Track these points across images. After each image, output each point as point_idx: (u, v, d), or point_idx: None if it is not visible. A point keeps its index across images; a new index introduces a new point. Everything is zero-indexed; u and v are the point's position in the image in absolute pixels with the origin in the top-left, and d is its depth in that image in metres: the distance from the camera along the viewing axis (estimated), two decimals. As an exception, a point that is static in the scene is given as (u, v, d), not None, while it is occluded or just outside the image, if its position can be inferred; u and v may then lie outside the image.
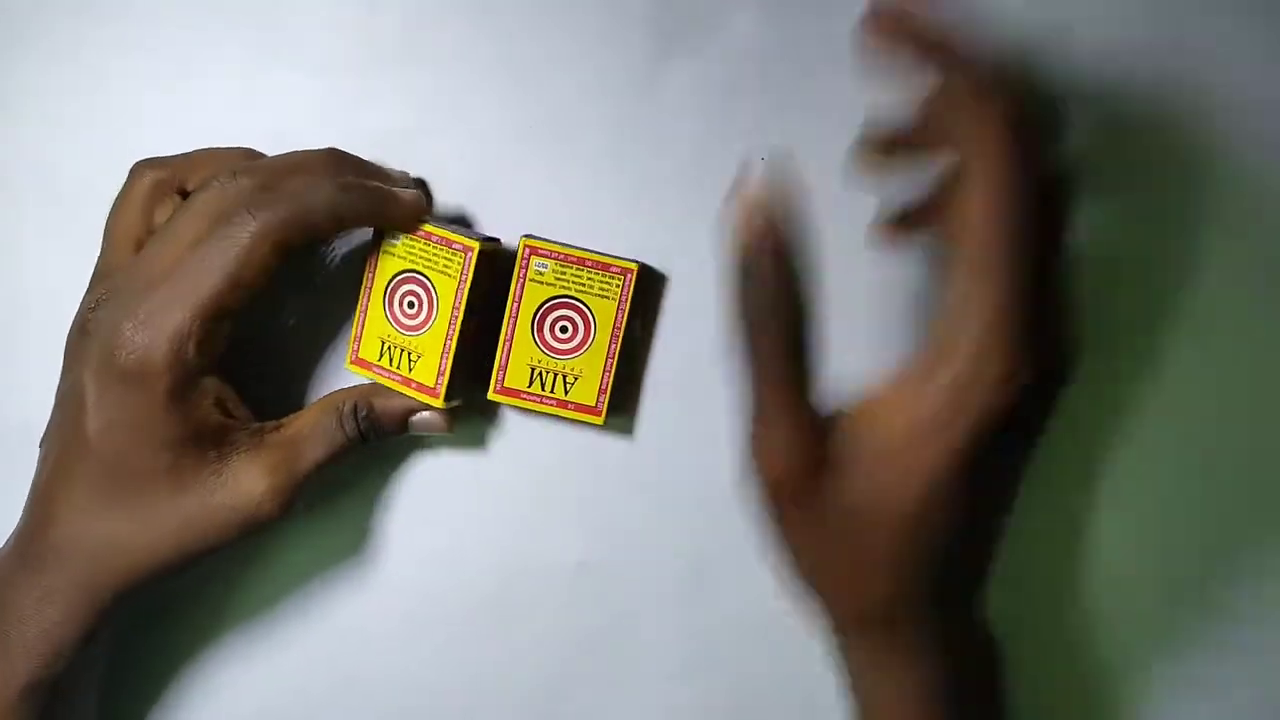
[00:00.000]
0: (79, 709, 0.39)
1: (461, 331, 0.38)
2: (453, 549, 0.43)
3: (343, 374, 0.42)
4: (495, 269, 0.40)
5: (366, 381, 0.40)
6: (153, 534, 0.36)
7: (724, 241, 0.29)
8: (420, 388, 0.39)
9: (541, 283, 0.40)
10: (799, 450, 0.30)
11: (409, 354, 0.39)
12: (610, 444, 0.43)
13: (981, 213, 0.28)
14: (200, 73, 0.42)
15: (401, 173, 0.40)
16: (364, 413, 0.38)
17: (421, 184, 0.41)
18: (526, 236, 0.40)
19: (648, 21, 0.42)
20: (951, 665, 0.33)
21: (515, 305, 0.40)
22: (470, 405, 0.43)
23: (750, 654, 0.43)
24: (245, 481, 0.36)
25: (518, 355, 0.40)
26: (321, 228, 0.36)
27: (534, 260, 0.40)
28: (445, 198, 0.42)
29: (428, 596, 0.43)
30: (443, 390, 0.38)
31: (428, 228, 0.38)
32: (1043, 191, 0.29)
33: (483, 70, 0.42)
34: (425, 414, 0.39)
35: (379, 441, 0.40)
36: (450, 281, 0.38)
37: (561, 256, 0.40)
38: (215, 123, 0.42)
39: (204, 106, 0.42)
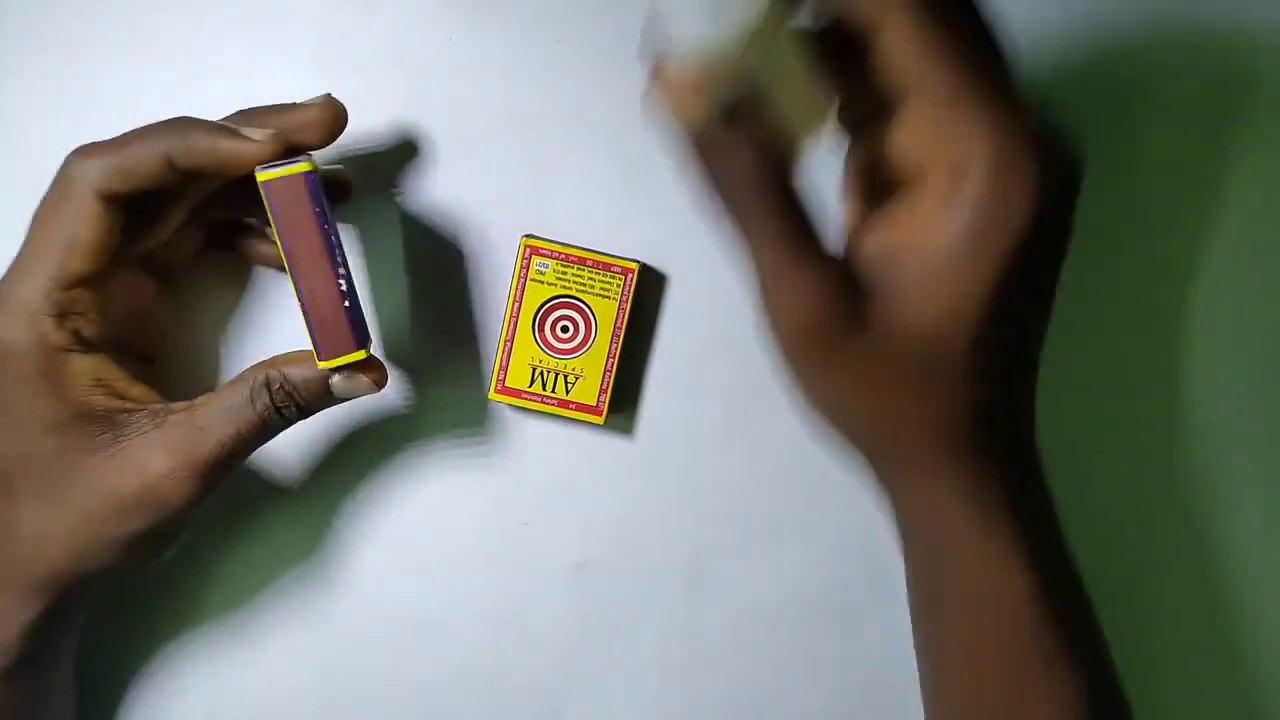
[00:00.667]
0: (46, 702, 0.39)
1: (295, 277, 0.33)
2: (452, 549, 0.43)
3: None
4: (323, 195, 0.34)
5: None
6: (63, 522, 0.34)
7: (660, 117, 0.27)
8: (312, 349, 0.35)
9: (542, 282, 0.40)
10: (820, 293, 0.28)
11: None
12: (610, 444, 0.43)
13: (923, 44, 0.27)
14: (198, 72, 0.42)
15: (322, 96, 0.37)
16: (278, 385, 0.35)
17: (334, 109, 0.37)
18: (527, 236, 0.40)
19: (648, 21, 0.42)
20: (1012, 494, 0.31)
21: (516, 305, 0.40)
22: (470, 405, 0.43)
23: (750, 654, 0.43)
24: (146, 463, 0.34)
25: (518, 355, 0.40)
26: (152, 173, 0.34)
27: (535, 260, 0.40)
28: (445, 197, 0.42)
29: (426, 596, 0.43)
30: (312, 348, 0.34)
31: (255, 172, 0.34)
32: None
33: (482, 69, 0.42)
34: (338, 377, 0.35)
35: (304, 416, 0.36)
36: (274, 230, 0.34)
37: (562, 256, 0.40)
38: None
39: (202, 105, 0.42)
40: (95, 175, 0.33)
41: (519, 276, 0.40)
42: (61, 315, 0.34)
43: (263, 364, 0.36)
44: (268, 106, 0.37)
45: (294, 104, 0.37)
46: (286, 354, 0.36)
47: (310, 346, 0.35)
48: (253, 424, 0.35)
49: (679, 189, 0.42)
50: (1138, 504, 0.43)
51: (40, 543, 0.35)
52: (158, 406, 0.35)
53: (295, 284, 0.33)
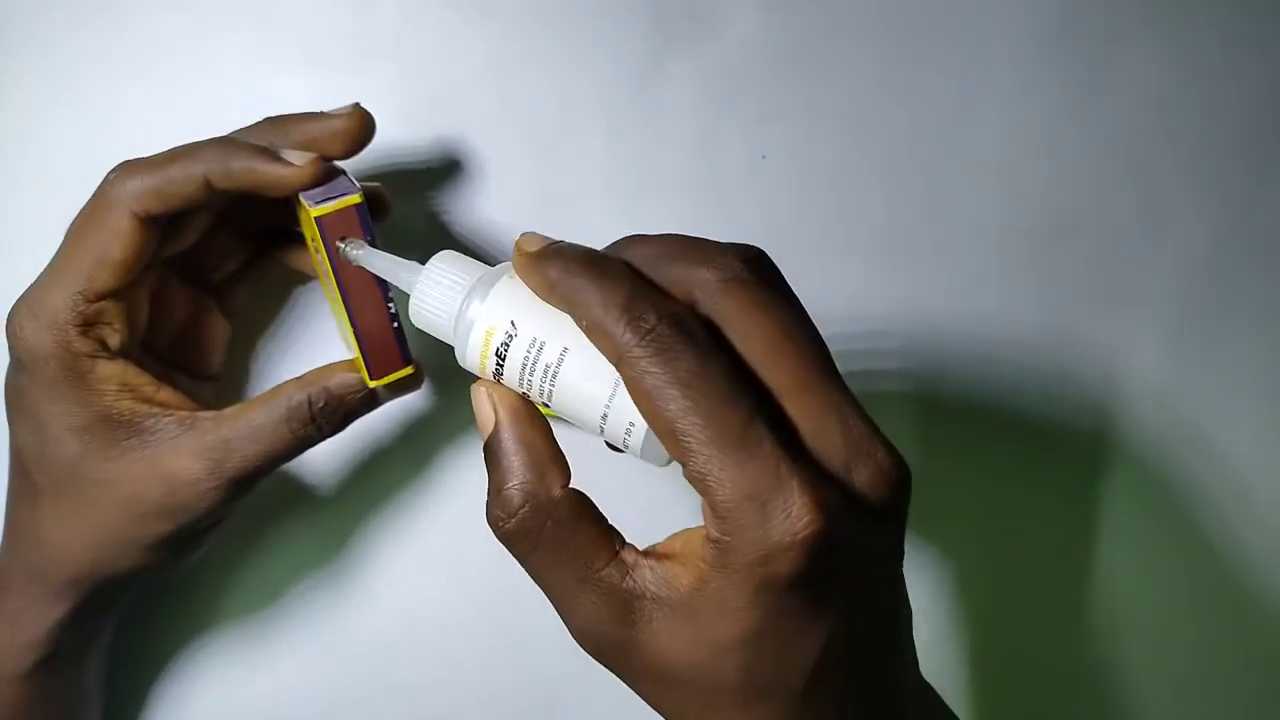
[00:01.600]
0: (75, 699, 0.39)
1: (349, 304, 0.34)
2: (451, 549, 0.43)
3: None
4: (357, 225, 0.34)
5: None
6: (86, 525, 0.35)
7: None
8: (356, 361, 0.36)
9: (541, 282, 0.40)
10: (598, 618, 0.28)
11: (339, 327, 0.36)
12: (609, 444, 0.43)
13: (653, 394, 0.26)
14: (196, 69, 0.42)
15: (350, 106, 0.36)
16: (321, 402, 0.35)
17: (363, 118, 0.36)
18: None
19: (647, 21, 0.41)
20: None
21: (514, 305, 0.40)
22: (470, 405, 0.42)
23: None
24: (171, 469, 0.34)
25: (517, 355, 0.40)
26: (189, 194, 0.34)
27: (533, 260, 0.40)
28: (444, 196, 0.42)
29: (426, 597, 0.43)
30: (363, 369, 0.35)
31: (301, 199, 0.34)
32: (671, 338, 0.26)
33: (481, 68, 0.42)
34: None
35: (344, 426, 0.36)
36: (321, 253, 0.34)
37: (561, 256, 0.40)
38: (212, 119, 0.42)
39: (200, 103, 0.42)
40: (133, 195, 0.34)
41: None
42: (87, 325, 0.34)
43: (297, 382, 0.36)
44: (295, 115, 0.36)
45: (321, 113, 0.36)
46: (322, 369, 0.36)
47: (350, 355, 0.36)
48: (286, 443, 0.35)
49: (679, 189, 0.42)
50: None
51: (64, 544, 0.35)
52: (185, 413, 0.35)
53: (349, 311, 0.34)
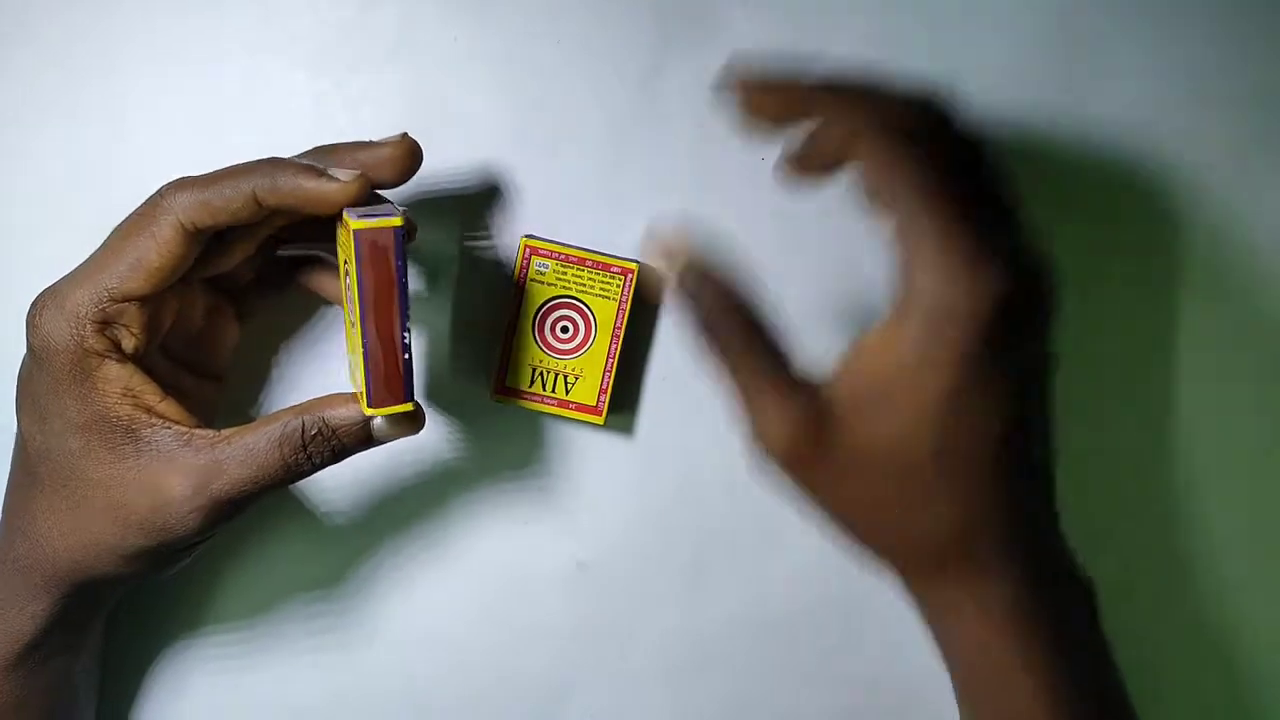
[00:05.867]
0: (64, 695, 0.39)
1: (365, 325, 0.34)
2: (452, 549, 0.43)
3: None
4: (384, 253, 0.34)
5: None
6: (72, 522, 0.35)
7: (667, 277, 0.33)
8: (358, 393, 0.35)
9: (542, 283, 0.40)
10: (792, 418, 0.31)
11: (350, 358, 0.37)
12: (610, 444, 0.43)
13: (884, 173, 0.30)
14: (197, 71, 0.42)
15: (398, 135, 0.37)
16: (315, 430, 0.35)
17: (410, 149, 0.37)
18: (527, 237, 0.40)
19: (648, 21, 0.42)
20: (1031, 598, 0.32)
21: (516, 306, 0.40)
22: (471, 405, 0.43)
23: (750, 653, 0.43)
24: (160, 484, 0.34)
25: (519, 355, 0.40)
26: (237, 209, 0.34)
27: (535, 260, 0.40)
28: (445, 197, 0.42)
29: (427, 597, 0.43)
30: (362, 394, 0.35)
31: (345, 215, 0.34)
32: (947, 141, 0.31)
33: (482, 69, 0.42)
34: (380, 420, 0.35)
35: (337, 460, 0.36)
36: (352, 273, 0.34)
37: (562, 256, 0.40)
38: (212, 120, 0.42)
39: (201, 105, 0.42)
40: (183, 207, 0.34)
41: (519, 277, 0.40)
42: (105, 323, 0.35)
43: (296, 408, 0.35)
44: (344, 144, 0.37)
45: (370, 141, 0.37)
46: (322, 398, 0.36)
47: (354, 390, 0.35)
48: (275, 468, 0.35)
49: (679, 189, 0.42)
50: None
51: (49, 539, 0.35)
52: (183, 429, 0.35)
53: (364, 331, 0.34)
